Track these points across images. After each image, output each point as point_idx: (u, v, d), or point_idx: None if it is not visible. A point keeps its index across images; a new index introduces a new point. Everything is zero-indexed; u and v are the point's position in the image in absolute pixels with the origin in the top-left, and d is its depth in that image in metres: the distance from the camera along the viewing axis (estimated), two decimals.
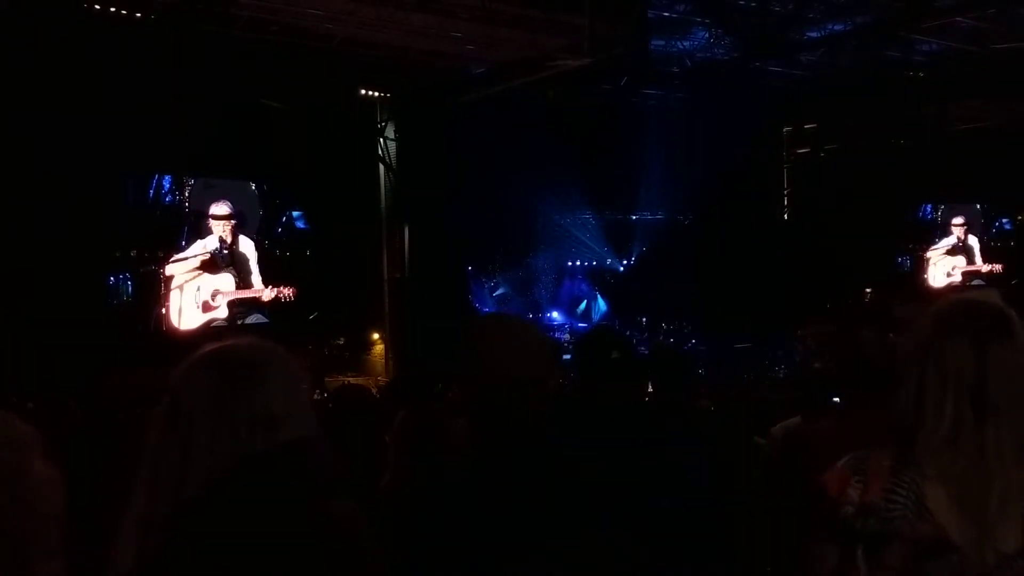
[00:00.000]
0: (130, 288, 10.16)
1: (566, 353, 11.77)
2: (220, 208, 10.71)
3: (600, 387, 2.26)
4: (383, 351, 12.96)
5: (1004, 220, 18.68)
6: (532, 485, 1.62)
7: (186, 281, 10.38)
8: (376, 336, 13.07)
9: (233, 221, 10.80)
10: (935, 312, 1.59)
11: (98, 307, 9.97)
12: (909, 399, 1.54)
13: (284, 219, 11.88)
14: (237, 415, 1.36)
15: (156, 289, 10.17)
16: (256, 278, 11.04)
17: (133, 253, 10.15)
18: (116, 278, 10.13)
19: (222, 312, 10.71)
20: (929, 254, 17.34)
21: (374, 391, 9.89)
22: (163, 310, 10.19)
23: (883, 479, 1.55)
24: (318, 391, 9.36)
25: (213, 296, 10.62)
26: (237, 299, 10.81)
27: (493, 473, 1.64)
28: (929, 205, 17.65)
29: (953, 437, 1.48)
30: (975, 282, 17.58)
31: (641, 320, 15.21)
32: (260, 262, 11.12)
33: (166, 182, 10.46)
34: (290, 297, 11.04)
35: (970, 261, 17.71)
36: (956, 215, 17.63)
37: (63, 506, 1.12)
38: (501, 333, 1.81)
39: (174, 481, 1.33)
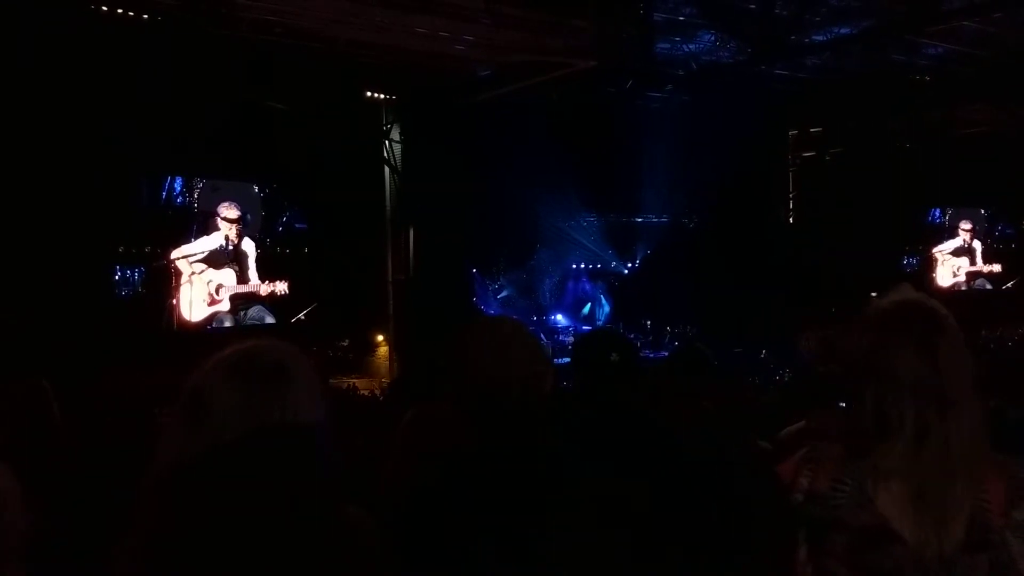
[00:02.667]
0: (142, 281, 10.76)
1: (568, 356, 11.77)
2: (230, 212, 11.33)
3: (599, 389, 2.26)
4: (387, 353, 12.96)
5: (1007, 225, 18.81)
6: (527, 487, 1.61)
7: (193, 274, 11.00)
8: (380, 338, 13.07)
9: (241, 223, 11.42)
10: (874, 320, 1.61)
11: (111, 299, 10.37)
12: (867, 410, 1.56)
13: (284, 219, 12.15)
14: (269, 416, 1.35)
15: (167, 282, 10.82)
16: (253, 273, 11.62)
17: (147, 249, 10.77)
18: (131, 272, 10.69)
19: (224, 305, 11.33)
20: (936, 254, 17.59)
21: (378, 392, 9.98)
22: (174, 301, 10.85)
23: (832, 469, 1.59)
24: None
25: (217, 290, 11.21)
26: (238, 293, 11.41)
27: (488, 474, 1.63)
28: (938, 209, 17.78)
29: (920, 440, 1.50)
30: (978, 282, 17.89)
31: (645, 323, 15.19)
32: (260, 260, 11.67)
33: (177, 185, 11.09)
34: (285, 292, 11.60)
35: (972, 262, 18.03)
36: (963, 219, 17.90)
37: (24, 511, 1.10)
38: (492, 333, 1.80)
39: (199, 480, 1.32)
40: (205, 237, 11.13)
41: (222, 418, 1.33)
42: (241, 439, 1.32)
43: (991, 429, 1.76)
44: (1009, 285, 17.58)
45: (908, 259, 17.61)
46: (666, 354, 10.87)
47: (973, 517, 1.47)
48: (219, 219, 11.18)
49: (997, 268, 18.06)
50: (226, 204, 11.23)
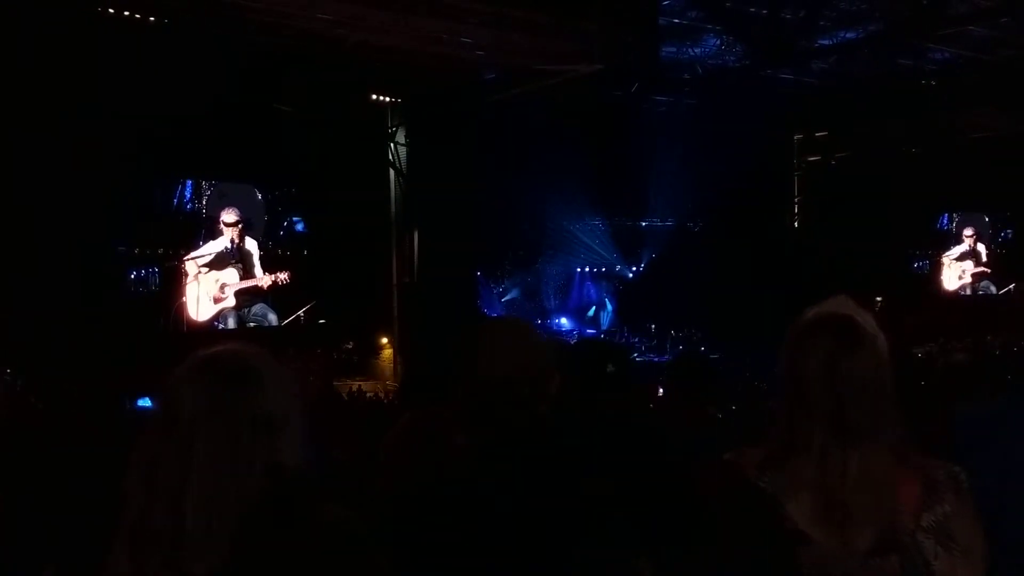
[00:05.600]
0: (155, 281, 11.30)
1: None
2: (229, 216, 11.74)
3: (597, 399, 2.26)
4: (392, 355, 12.96)
5: (1008, 230, 18.89)
6: (530, 492, 1.60)
7: (200, 275, 11.47)
8: (385, 340, 13.06)
9: (240, 225, 11.77)
10: (792, 332, 1.60)
11: (125, 296, 10.79)
12: (781, 419, 1.56)
13: (288, 222, 12.40)
14: (237, 420, 1.35)
15: (177, 281, 11.32)
16: (258, 271, 12.00)
17: (160, 251, 11.28)
18: (146, 271, 11.23)
19: (230, 302, 11.75)
20: (944, 259, 17.84)
21: (382, 395, 9.99)
22: (184, 299, 11.35)
23: (750, 474, 1.60)
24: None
25: (222, 288, 11.63)
26: (242, 289, 11.80)
27: (491, 479, 1.62)
28: (946, 215, 17.86)
29: (820, 460, 1.50)
30: (983, 283, 18.17)
31: (650, 327, 15.18)
32: (264, 262, 12.01)
33: (187, 191, 11.57)
34: (286, 280, 11.93)
35: (977, 264, 18.17)
36: (967, 225, 18.06)
37: None
38: (499, 334, 1.79)
39: (173, 488, 1.31)
40: (212, 241, 11.53)
41: (189, 422, 1.34)
42: (217, 444, 1.32)
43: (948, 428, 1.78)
44: (1011, 288, 17.64)
45: (918, 263, 17.68)
46: (669, 358, 10.86)
47: (883, 520, 1.47)
48: (221, 224, 11.59)
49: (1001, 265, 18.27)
50: (226, 209, 11.60)
